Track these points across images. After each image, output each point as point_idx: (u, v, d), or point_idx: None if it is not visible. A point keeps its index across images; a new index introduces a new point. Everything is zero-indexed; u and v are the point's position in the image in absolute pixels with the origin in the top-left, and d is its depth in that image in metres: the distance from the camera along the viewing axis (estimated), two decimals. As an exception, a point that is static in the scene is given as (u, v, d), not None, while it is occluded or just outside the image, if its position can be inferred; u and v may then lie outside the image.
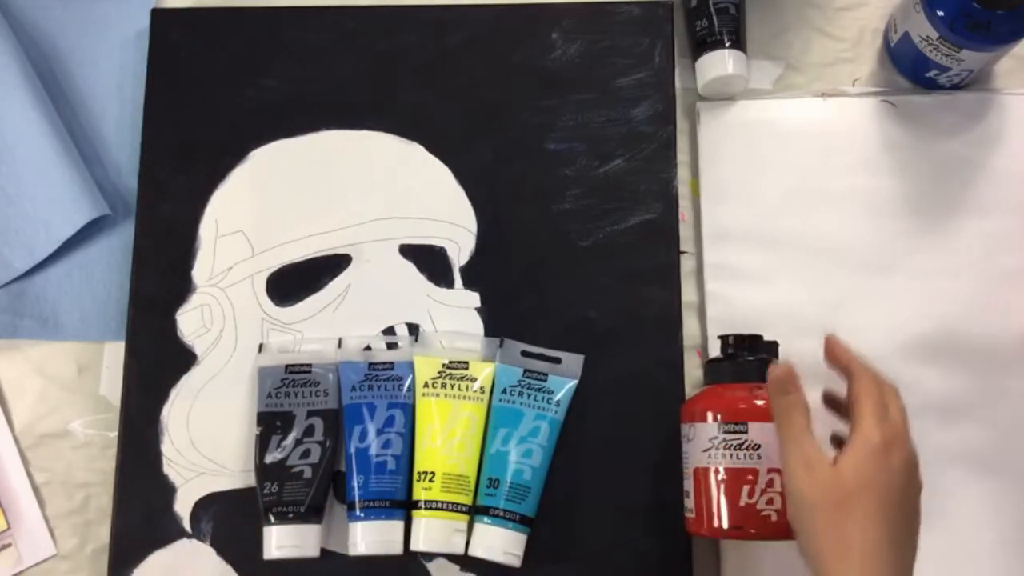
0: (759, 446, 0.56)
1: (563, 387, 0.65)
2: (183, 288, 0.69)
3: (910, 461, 0.52)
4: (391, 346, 0.67)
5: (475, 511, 0.63)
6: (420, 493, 0.63)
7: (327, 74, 0.72)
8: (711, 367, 0.62)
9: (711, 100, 0.72)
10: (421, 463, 0.64)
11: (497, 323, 0.67)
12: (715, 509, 0.57)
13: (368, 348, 0.67)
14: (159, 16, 0.74)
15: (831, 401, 0.60)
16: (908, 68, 0.71)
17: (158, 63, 0.72)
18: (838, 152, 0.70)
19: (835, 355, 0.56)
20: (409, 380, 0.65)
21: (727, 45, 0.69)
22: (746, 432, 0.57)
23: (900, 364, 0.64)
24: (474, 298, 0.68)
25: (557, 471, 0.64)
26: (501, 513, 0.62)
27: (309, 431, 0.64)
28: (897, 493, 0.51)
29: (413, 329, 0.68)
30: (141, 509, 0.65)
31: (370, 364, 0.66)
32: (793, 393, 0.53)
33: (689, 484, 0.60)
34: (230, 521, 0.65)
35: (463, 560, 0.64)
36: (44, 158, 0.69)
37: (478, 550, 0.62)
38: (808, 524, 0.52)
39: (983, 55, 0.66)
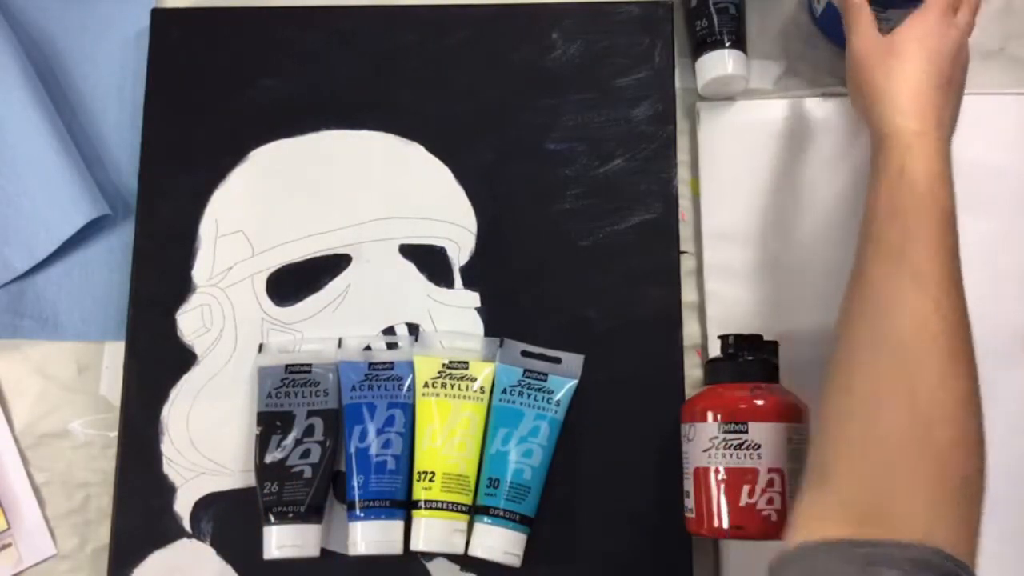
0: (759, 446, 0.56)
1: (563, 387, 0.65)
2: (183, 288, 0.69)
3: (962, 38, 0.57)
4: (391, 346, 0.67)
5: (475, 511, 0.63)
6: (420, 493, 0.63)
7: (327, 74, 0.72)
8: (711, 367, 0.62)
9: (711, 100, 0.72)
10: (421, 463, 0.64)
11: (497, 323, 0.67)
12: (715, 509, 0.57)
13: (368, 348, 0.67)
14: (159, 16, 0.74)
15: None
16: (837, 35, 0.66)
17: (158, 63, 0.72)
18: (838, 152, 0.70)
19: None
20: (409, 380, 0.65)
21: (727, 45, 0.69)
22: (746, 432, 0.57)
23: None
24: (474, 298, 0.68)
25: (557, 471, 0.64)
26: (501, 513, 0.62)
27: (309, 431, 0.64)
28: (947, 54, 0.56)
29: (413, 329, 0.68)
30: (141, 509, 0.65)
31: (370, 364, 0.66)
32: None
33: (689, 484, 0.60)
34: (230, 521, 0.65)
35: (463, 560, 0.64)
36: (44, 158, 0.69)
37: (478, 550, 0.62)
38: (861, 76, 0.57)
39: (908, 13, 0.61)
